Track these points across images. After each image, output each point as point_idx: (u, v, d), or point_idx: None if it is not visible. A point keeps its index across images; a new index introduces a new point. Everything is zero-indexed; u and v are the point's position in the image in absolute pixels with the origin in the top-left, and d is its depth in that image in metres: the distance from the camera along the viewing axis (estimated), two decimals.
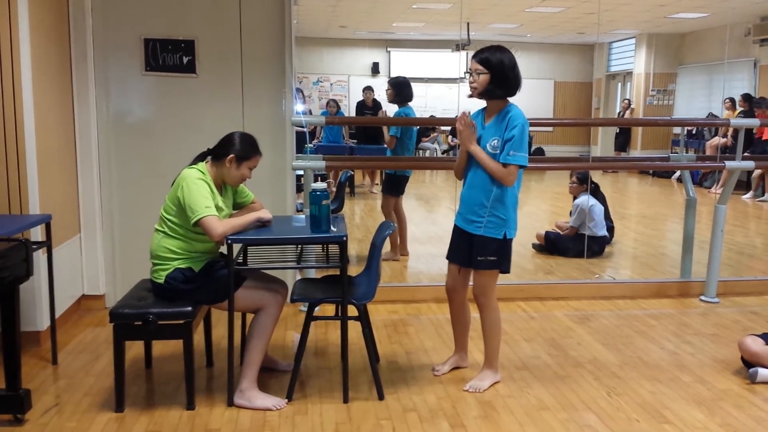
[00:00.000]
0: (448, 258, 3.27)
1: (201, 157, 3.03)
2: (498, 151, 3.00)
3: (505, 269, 3.13)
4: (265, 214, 3.03)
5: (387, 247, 5.70)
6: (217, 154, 2.97)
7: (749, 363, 3.31)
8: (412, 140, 5.66)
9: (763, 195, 9.33)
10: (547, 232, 6.02)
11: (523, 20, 11.71)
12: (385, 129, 5.80)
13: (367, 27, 13.08)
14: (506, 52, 3.01)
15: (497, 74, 2.97)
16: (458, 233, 3.19)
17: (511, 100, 3.08)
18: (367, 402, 3.02)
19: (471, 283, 3.22)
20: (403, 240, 5.78)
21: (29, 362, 3.38)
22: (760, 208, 8.96)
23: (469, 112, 3.08)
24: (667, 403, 3.04)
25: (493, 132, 3.03)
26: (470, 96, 3.09)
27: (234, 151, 2.93)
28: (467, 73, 3.07)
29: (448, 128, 12.76)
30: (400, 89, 5.57)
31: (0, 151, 3.41)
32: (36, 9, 3.54)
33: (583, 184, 5.99)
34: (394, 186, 5.62)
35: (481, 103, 3.15)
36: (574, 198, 6.05)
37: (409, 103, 5.62)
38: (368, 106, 10.36)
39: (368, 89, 10.43)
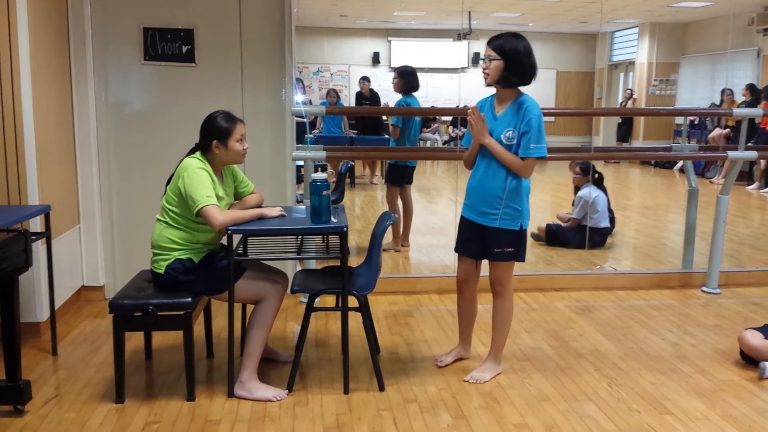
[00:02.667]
0: (457, 251, 3.23)
1: (193, 153, 3.00)
2: (513, 142, 2.96)
3: (521, 259, 3.12)
4: (270, 211, 3.01)
5: (388, 237, 5.69)
6: (203, 146, 2.95)
7: (748, 357, 3.31)
8: (414, 130, 5.62)
9: (765, 186, 9.31)
10: (548, 225, 6.00)
11: (525, 9, 11.65)
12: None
13: (368, 16, 13.02)
14: (521, 39, 2.96)
15: (511, 61, 2.92)
16: (468, 225, 3.14)
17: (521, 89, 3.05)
18: (367, 393, 3.01)
19: (484, 273, 3.21)
20: (405, 231, 5.77)
21: (29, 353, 3.38)
22: (764, 199, 8.94)
23: (475, 107, 3.04)
24: (668, 393, 3.03)
25: (507, 123, 2.98)
26: (488, 85, 3.04)
27: (213, 136, 2.91)
28: (481, 59, 3.03)
29: (449, 118, 12.75)
30: (408, 78, 5.52)
31: None
32: None
33: (587, 174, 5.95)
34: (397, 176, 5.59)
35: (487, 92, 3.13)
36: (577, 189, 6.02)
37: (415, 95, 5.58)
38: (366, 96, 10.32)
39: (364, 79, 10.39)
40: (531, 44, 2.98)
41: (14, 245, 2.70)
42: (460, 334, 3.39)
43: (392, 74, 5.69)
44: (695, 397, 3.00)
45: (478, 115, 2.97)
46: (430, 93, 13.51)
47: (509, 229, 3.02)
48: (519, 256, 3.09)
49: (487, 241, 3.07)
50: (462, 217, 3.19)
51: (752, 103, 9.46)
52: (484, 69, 2.99)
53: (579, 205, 5.86)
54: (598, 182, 5.97)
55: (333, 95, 10.36)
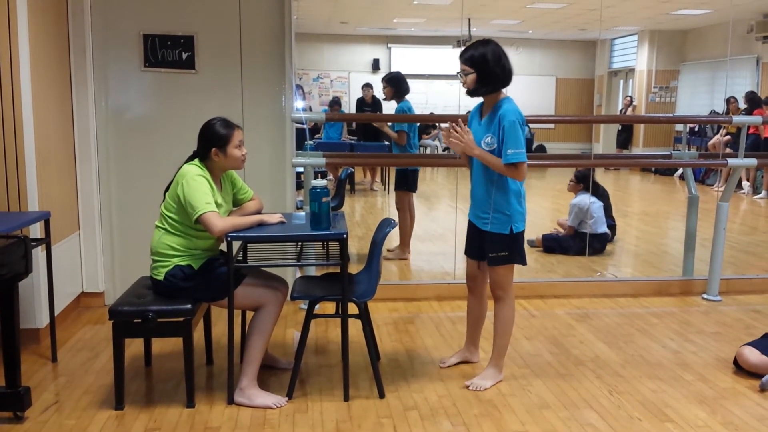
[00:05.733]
0: (465, 253, 3.30)
1: (191, 160, 3.00)
2: (493, 147, 3.01)
3: (520, 262, 3.12)
4: (270, 218, 3.01)
5: (395, 244, 5.67)
6: (201, 154, 2.95)
7: (745, 370, 3.30)
8: (415, 135, 5.58)
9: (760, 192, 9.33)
10: (544, 236, 6.00)
11: (525, 16, 11.67)
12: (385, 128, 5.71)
13: (368, 23, 13.04)
14: (489, 45, 3.00)
15: (482, 71, 2.98)
16: (471, 228, 3.22)
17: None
18: (367, 400, 3.00)
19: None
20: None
21: (29, 360, 3.37)
22: (758, 205, 8.93)
23: (468, 112, 3.09)
24: (669, 401, 3.03)
25: (486, 128, 3.04)
26: (470, 95, 3.11)
27: (211, 143, 2.91)
28: (458, 73, 3.08)
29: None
30: (398, 85, 5.49)
31: None
32: (35, 5, 3.52)
33: (581, 183, 5.99)
34: (407, 181, 5.54)
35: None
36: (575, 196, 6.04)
37: (407, 98, 5.54)
38: (368, 103, 10.33)
39: (367, 86, 10.39)
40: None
41: (14, 251, 2.70)
42: (467, 335, 3.39)
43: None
44: (696, 405, 2.99)
45: (464, 128, 3.01)
46: (431, 100, 13.53)
47: (500, 233, 3.05)
48: (515, 259, 3.10)
49: (484, 245, 3.11)
50: (468, 220, 3.26)
51: (749, 112, 9.48)
52: (462, 84, 3.06)
53: (573, 212, 5.89)
54: (594, 190, 5.98)
55: (336, 108, 10.36)
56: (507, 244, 3.06)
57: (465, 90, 3.06)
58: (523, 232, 3.10)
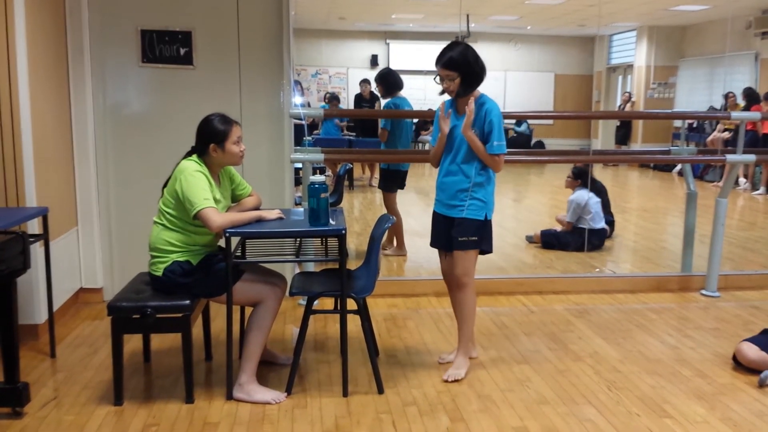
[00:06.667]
0: (432, 245, 3.34)
1: (189, 155, 2.99)
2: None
3: (487, 249, 3.21)
4: (269, 213, 3.00)
5: (393, 243, 5.65)
6: (199, 150, 2.95)
7: (744, 366, 3.30)
8: (405, 132, 5.45)
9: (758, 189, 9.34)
10: (543, 232, 6.00)
11: (524, 12, 11.66)
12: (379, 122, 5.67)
13: (366, 19, 13.03)
14: (462, 46, 3.09)
15: (467, 73, 3.06)
16: (439, 220, 3.26)
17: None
18: (366, 396, 3.01)
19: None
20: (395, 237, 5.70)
21: (27, 355, 3.37)
22: (756, 201, 8.95)
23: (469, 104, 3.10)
24: (668, 397, 3.03)
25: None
26: (455, 97, 3.16)
27: (210, 139, 2.91)
28: (438, 78, 3.10)
29: None
30: (388, 81, 5.43)
31: None
32: (32, 1, 3.51)
33: (578, 179, 5.99)
34: (389, 181, 5.45)
35: None
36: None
37: (401, 93, 5.47)
38: (365, 99, 10.33)
39: (365, 82, 10.39)
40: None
41: (12, 247, 2.70)
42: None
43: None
44: (695, 401, 3.00)
45: (472, 108, 3.05)
46: (429, 96, 13.52)
47: (474, 218, 3.12)
48: (483, 245, 3.18)
49: (452, 232, 3.15)
50: (434, 213, 3.30)
51: (747, 108, 9.48)
52: (446, 88, 3.10)
53: (571, 208, 5.90)
54: (593, 187, 5.98)
55: (335, 103, 10.37)
56: (478, 230, 3.13)
57: (450, 95, 3.12)
58: (491, 221, 3.19)
